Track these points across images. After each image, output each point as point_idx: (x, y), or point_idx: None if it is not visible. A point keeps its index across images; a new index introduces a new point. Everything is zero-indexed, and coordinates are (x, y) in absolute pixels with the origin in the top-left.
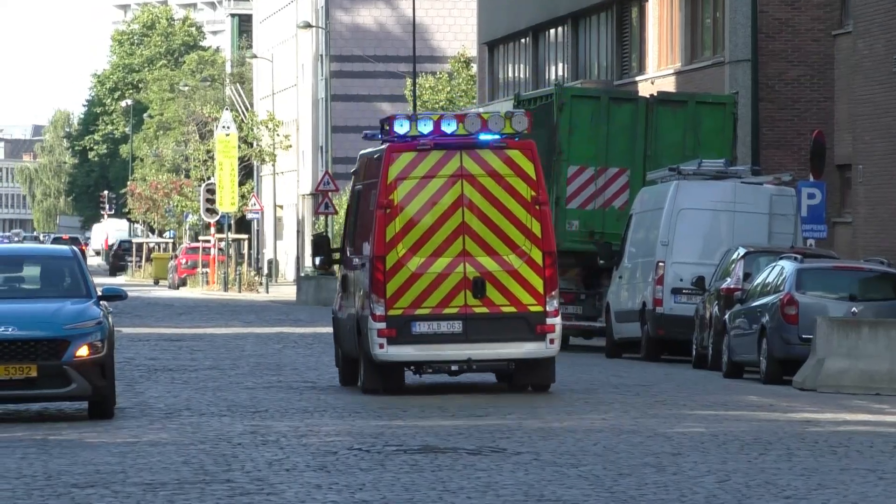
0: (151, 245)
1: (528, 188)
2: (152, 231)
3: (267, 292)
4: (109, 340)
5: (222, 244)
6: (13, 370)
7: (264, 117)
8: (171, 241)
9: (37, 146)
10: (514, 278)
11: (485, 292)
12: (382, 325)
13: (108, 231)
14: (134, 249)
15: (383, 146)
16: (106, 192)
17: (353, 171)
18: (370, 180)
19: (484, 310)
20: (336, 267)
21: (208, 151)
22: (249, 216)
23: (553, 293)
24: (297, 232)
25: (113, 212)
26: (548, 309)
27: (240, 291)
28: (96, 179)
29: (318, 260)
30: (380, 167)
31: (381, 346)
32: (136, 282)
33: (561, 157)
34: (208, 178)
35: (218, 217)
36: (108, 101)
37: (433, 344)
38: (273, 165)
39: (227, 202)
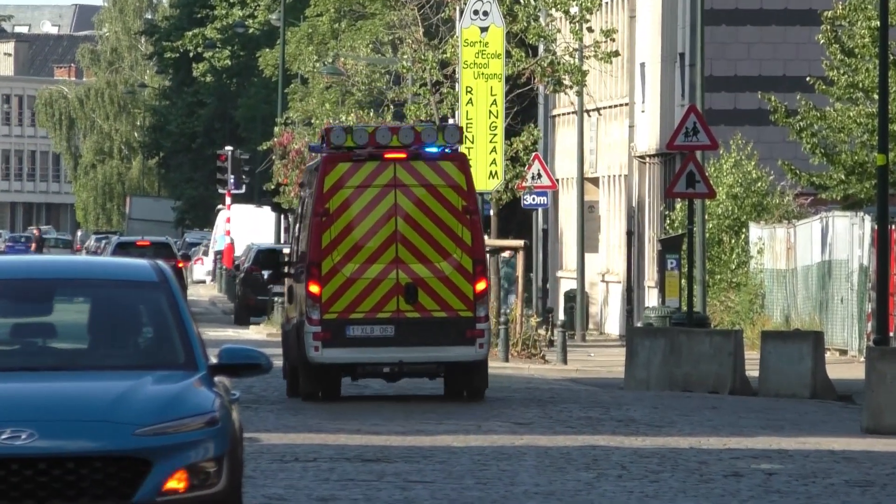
0: None
1: (459, 198)
2: None
3: (563, 362)
4: (233, 459)
5: None
6: None
7: None
8: None
9: (81, 51)
10: (445, 284)
11: (417, 298)
12: (318, 329)
13: (233, 230)
14: (288, 269)
15: (321, 156)
16: (229, 150)
17: (301, 182)
18: (310, 190)
19: (416, 314)
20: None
21: (444, 64)
22: (529, 201)
23: (482, 299)
24: (630, 234)
25: (243, 190)
26: (477, 314)
27: (506, 358)
28: (208, 123)
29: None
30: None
31: (317, 348)
32: None
33: None
34: (442, 119)
35: None
36: None
37: (366, 347)
38: (580, 96)
39: (483, 172)
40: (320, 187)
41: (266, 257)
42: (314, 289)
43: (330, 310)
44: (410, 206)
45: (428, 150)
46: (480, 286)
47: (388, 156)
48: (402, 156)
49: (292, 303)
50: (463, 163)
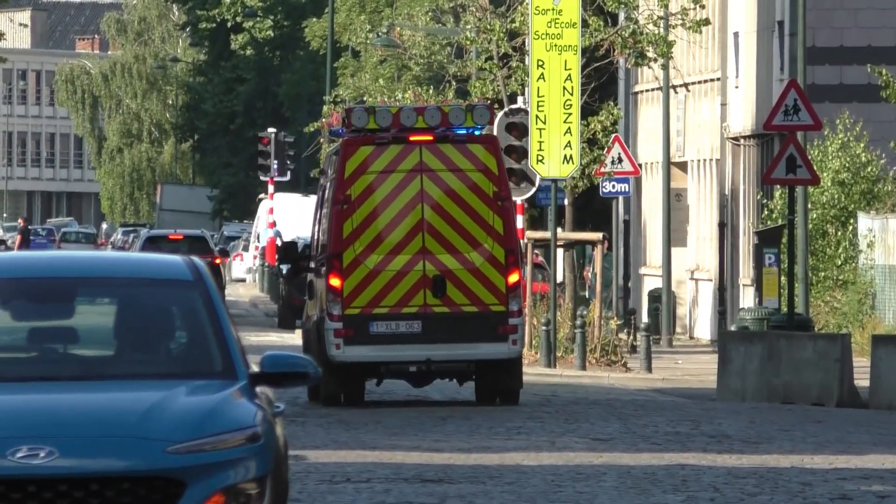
0: None
1: (490, 183)
2: None
3: (648, 370)
4: (277, 479)
5: (555, 252)
6: None
7: None
8: None
9: (106, 20)
10: (476, 277)
11: (445, 291)
12: (339, 325)
13: (277, 222)
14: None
15: (342, 140)
16: (272, 133)
17: (321, 169)
18: (331, 176)
19: (444, 309)
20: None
21: (513, 35)
22: (608, 189)
23: (515, 292)
24: (723, 225)
25: (288, 177)
26: (510, 308)
27: (583, 366)
28: (249, 102)
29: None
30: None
31: (338, 346)
32: None
33: None
34: (510, 97)
35: (532, 190)
36: None
37: (391, 344)
38: (665, 70)
39: (556, 156)
40: (341, 173)
41: (284, 250)
42: (335, 282)
43: (352, 305)
44: (438, 192)
45: (456, 131)
46: (513, 278)
47: (413, 138)
48: (429, 138)
49: (312, 299)
50: (493, 145)
